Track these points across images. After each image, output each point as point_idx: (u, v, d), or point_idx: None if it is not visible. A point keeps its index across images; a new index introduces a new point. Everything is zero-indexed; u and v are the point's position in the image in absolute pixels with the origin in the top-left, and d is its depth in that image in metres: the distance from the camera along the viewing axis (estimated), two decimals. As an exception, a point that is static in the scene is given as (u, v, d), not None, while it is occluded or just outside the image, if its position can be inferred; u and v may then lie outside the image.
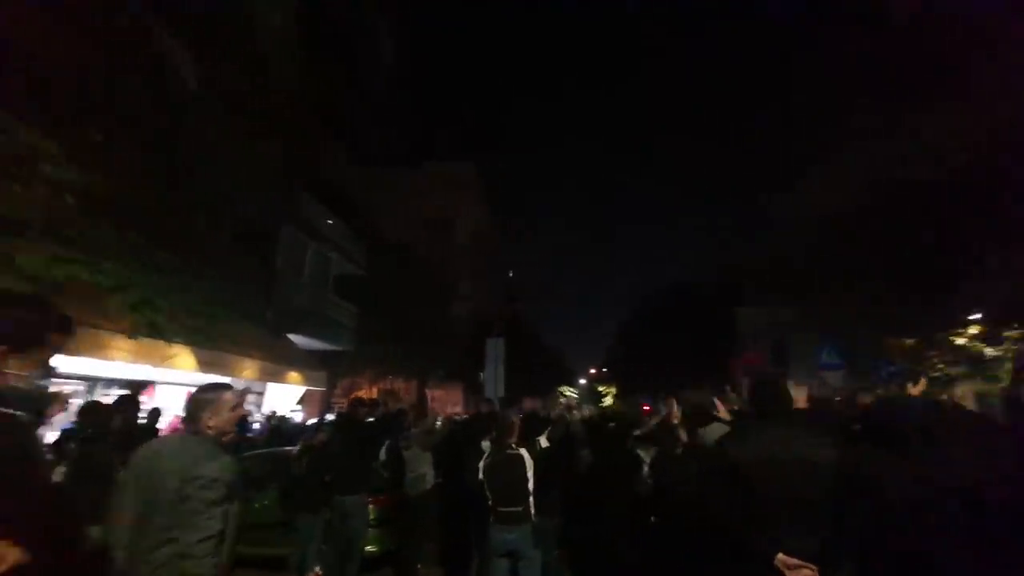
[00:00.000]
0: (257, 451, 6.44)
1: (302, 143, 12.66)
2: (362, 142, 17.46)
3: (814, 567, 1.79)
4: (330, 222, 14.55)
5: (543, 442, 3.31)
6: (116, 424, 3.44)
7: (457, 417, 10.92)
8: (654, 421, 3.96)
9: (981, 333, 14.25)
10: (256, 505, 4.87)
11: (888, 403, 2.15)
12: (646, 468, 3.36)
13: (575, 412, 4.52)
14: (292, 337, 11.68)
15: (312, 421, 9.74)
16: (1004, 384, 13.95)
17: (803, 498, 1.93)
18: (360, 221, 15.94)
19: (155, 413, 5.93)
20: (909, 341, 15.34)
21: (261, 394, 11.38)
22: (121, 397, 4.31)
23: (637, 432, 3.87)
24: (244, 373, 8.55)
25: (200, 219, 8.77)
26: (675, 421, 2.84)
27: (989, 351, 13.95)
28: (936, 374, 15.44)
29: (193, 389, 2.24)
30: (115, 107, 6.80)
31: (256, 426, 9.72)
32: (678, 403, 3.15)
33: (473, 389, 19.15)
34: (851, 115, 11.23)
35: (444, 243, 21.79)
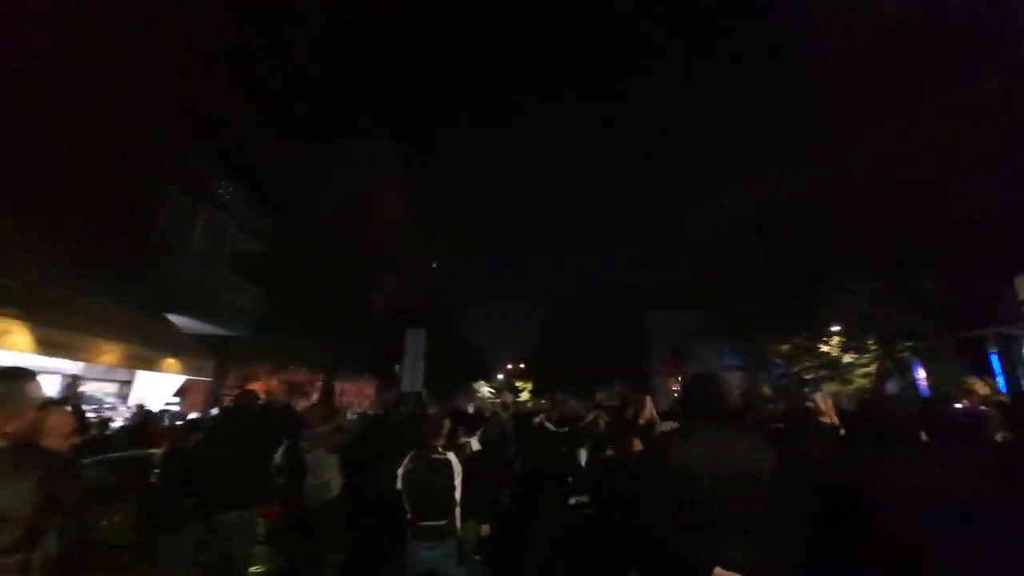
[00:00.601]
0: (109, 455, 5.22)
1: (207, 103, 10.99)
2: (280, 111, 15.71)
3: None
4: (230, 190, 12.77)
5: (474, 444, 2.90)
6: None
7: (371, 413, 10.08)
8: (592, 417, 3.72)
9: (841, 342, 16.60)
10: (105, 523, 3.88)
11: (880, 401, 2.06)
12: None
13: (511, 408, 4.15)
14: (172, 318, 10.00)
15: (193, 416, 8.35)
16: (856, 386, 16.44)
17: (743, 507, 1.77)
18: (268, 193, 14.24)
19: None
20: (785, 347, 17.40)
21: (128, 383, 9.61)
22: None
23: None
24: (102, 358, 7.06)
25: (66, 165, 7.10)
26: (644, 420, 2.58)
27: (847, 358, 16.29)
28: (809, 376, 17.74)
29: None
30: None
31: (118, 423, 8.13)
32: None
33: (388, 383, 18.12)
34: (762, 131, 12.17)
35: (363, 226, 20.38)
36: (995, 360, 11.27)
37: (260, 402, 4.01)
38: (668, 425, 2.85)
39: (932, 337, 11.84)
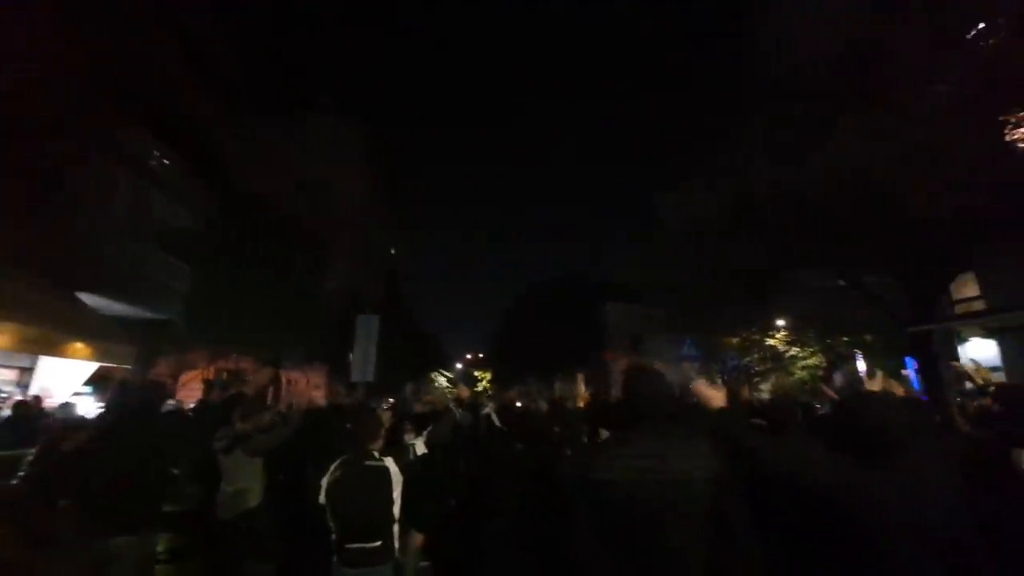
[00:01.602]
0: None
1: (142, 60, 9.71)
2: (234, 81, 14.31)
3: None
4: (165, 161, 11.47)
5: (420, 446, 2.42)
6: None
7: (326, 405, 9.27)
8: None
9: (785, 336, 17.37)
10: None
11: (868, 402, 1.76)
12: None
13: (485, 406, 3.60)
14: (85, 297, 8.83)
15: (100, 408, 7.34)
16: (797, 377, 17.24)
17: (680, 533, 1.43)
18: (209, 167, 12.93)
19: None
20: (735, 340, 18.03)
21: (29, 370, 8.40)
22: None
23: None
24: (-11, 341, 6.01)
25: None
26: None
27: (791, 351, 17.07)
28: (760, 367, 18.44)
29: None
30: None
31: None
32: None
33: (339, 372, 17.19)
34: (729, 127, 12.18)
35: (318, 208, 19.17)
36: (908, 361, 12.00)
37: (160, 391, 3.34)
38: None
39: (880, 332, 12.41)
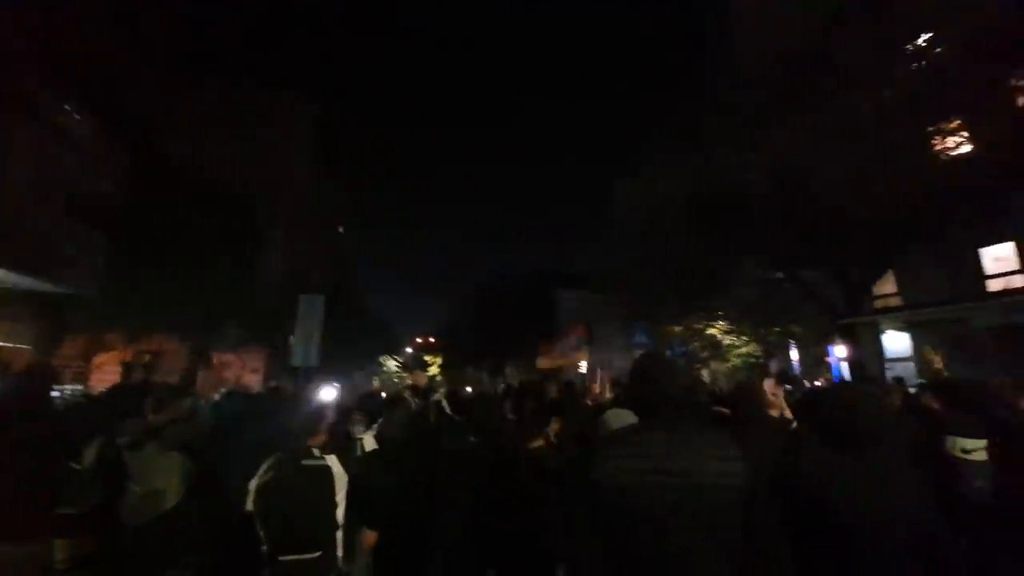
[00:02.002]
0: None
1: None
2: (168, 43, 12.69)
3: None
4: (77, 117, 10.05)
5: (369, 441, 2.15)
6: None
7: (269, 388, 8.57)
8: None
9: (724, 326, 18.35)
10: None
11: (842, 394, 1.71)
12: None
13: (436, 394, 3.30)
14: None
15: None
16: (731, 364, 18.32)
17: (701, 541, 1.24)
18: (132, 127, 11.49)
19: None
20: (678, 328, 18.84)
21: None
22: None
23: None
24: None
25: None
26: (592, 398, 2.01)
27: (727, 340, 18.07)
28: (704, 354, 19.38)
29: None
30: None
31: None
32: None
33: (280, 355, 16.21)
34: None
35: (258, 182, 17.73)
36: (829, 349, 13.03)
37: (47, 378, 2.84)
38: (617, 416, 2.32)
39: (811, 323, 13.29)
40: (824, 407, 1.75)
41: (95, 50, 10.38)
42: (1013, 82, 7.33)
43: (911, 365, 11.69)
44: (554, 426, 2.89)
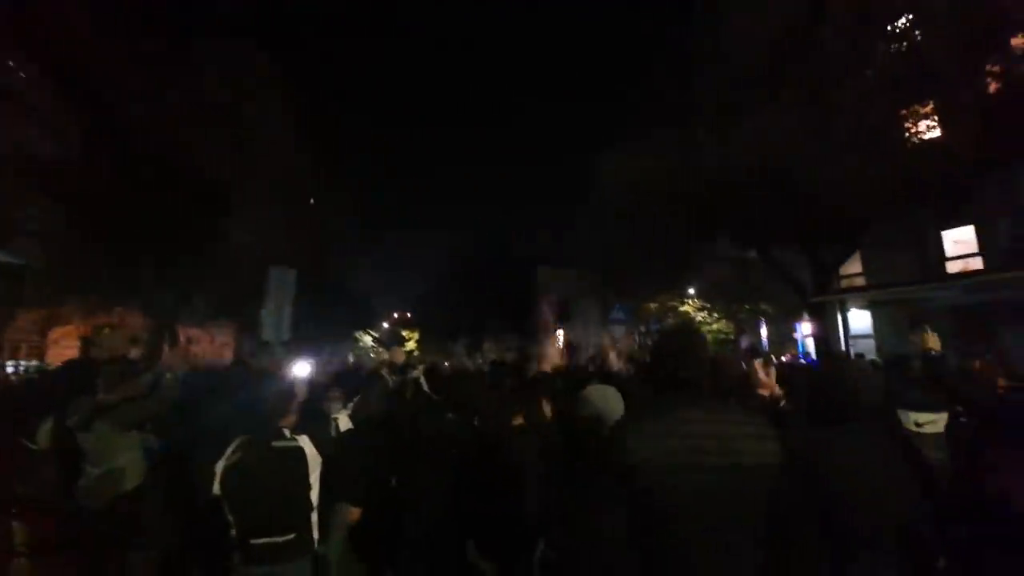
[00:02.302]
0: None
1: None
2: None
3: None
4: (22, 75, 9.18)
5: (344, 421, 2.05)
6: None
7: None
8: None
9: (697, 304, 18.81)
10: None
11: (831, 373, 1.71)
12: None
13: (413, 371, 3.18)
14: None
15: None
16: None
17: (739, 521, 1.23)
18: (84, 87, 10.55)
19: None
20: (653, 305, 19.22)
21: None
22: None
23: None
24: None
25: None
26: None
27: (699, 316, 18.56)
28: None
29: None
30: None
31: None
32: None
33: (250, 330, 15.72)
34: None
35: (222, 146, 16.69)
36: (796, 326, 13.51)
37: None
38: (598, 392, 2.29)
39: (780, 302, 13.70)
40: (813, 384, 1.75)
41: (45, 11, 9.43)
42: (988, 67, 7.45)
43: (872, 342, 12.26)
44: (547, 408, 2.81)
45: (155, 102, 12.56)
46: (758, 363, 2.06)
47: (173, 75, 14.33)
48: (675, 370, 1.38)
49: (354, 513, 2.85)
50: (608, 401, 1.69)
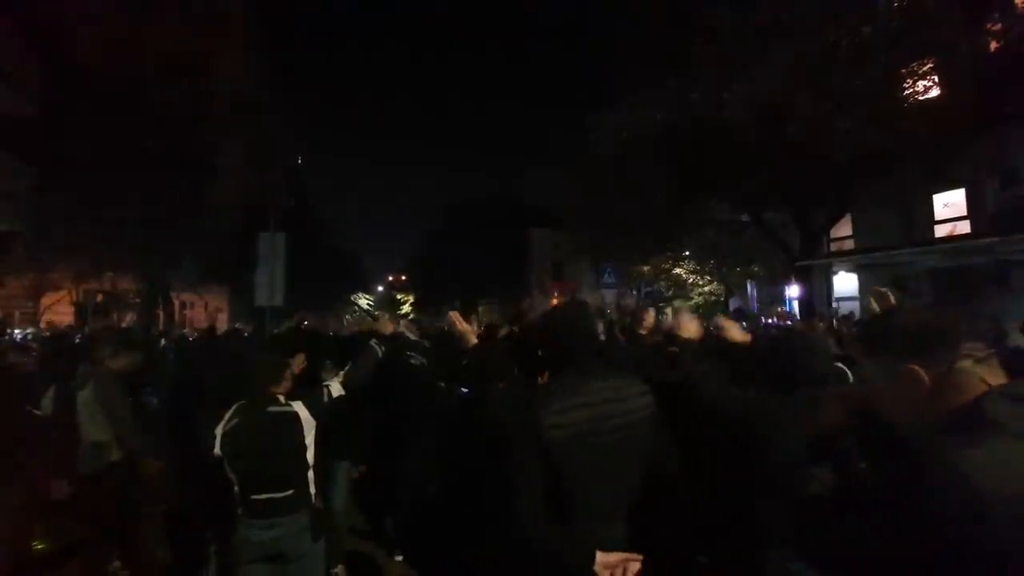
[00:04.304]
0: None
1: None
2: None
3: (639, 556, 1.38)
4: None
5: (335, 387, 2.16)
6: None
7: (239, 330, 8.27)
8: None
9: (690, 266, 18.93)
10: None
11: (790, 341, 1.84)
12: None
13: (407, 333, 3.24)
14: None
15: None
16: (693, 303, 19.19)
17: (628, 475, 1.50)
18: (48, 38, 9.95)
19: None
20: (646, 268, 19.33)
21: None
22: None
23: None
24: None
25: None
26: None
27: (691, 279, 18.76)
28: (668, 293, 20.10)
29: None
30: None
31: None
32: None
33: (243, 294, 15.71)
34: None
35: (199, 100, 15.90)
36: (785, 289, 13.72)
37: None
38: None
39: (770, 263, 13.85)
40: (767, 353, 1.90)
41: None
42: (988, 26, 7.26)
43: (857, 304, 12.55)
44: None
45: (128, 55, 11.93)
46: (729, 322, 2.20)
47: (144, 26, 13.53)
48: (570, 345, 1.54)
49: (360, 470, 3.06)
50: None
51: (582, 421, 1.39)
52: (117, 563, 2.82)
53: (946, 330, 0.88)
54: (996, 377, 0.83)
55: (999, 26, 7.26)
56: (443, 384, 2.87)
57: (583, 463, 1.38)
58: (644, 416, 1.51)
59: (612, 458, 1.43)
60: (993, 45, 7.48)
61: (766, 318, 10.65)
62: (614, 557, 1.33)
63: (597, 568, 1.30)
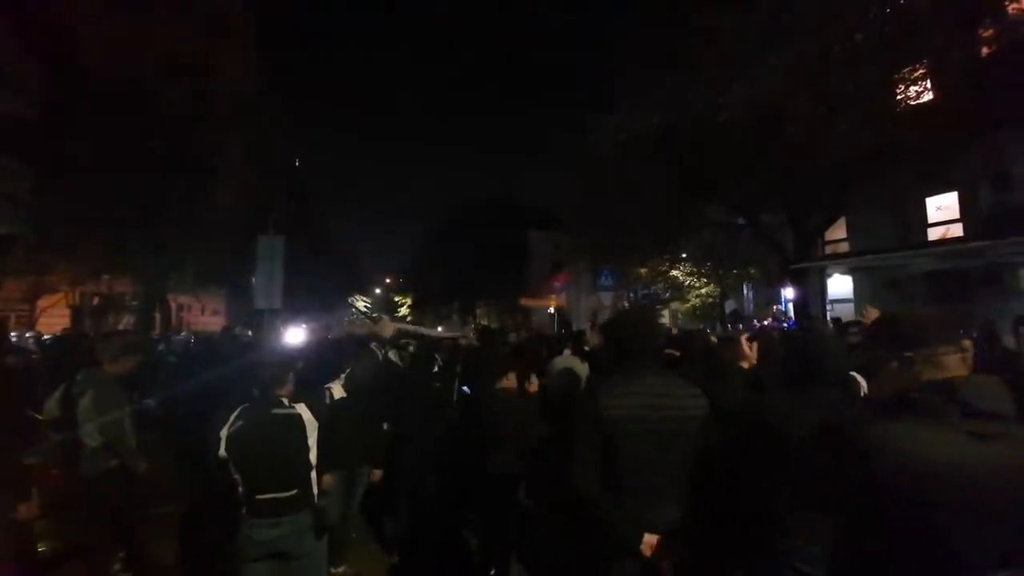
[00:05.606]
0: None
1: None
2: None
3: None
4: None
5: (337, 390, 2.20)
6: None
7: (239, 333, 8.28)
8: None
9: (687, 268, 18.99)
10: None
11: (808, 341, 1.92)
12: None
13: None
14: None
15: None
16: (690, 304, 19.23)
17: (676, 464, 1.68)
18: (49, 42, 9.98)
19: None
20: (644, 270, 19.40)
21: None
22: None
23: None
24: None
25: None
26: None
27: (688, 281, 18.82)
28: (666, 295, 20.15)
29: None
30: None
31: None
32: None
33: (240, 296, 15.72)
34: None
35: (199, 104, 15.96)
36: (780, 292, 13.80)
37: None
38: (563, 362, 2.57)
39: (766, 266, 13.92)
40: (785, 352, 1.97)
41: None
42: (981, 31, 7.36)
43: (851, 306, 12.62)
44: (534, 382, 2.96)
45: (128, 56, 11.94)
46: (744, 338, 2.24)
47: (144, 27, 13.55)
48: (631, 343, 1.77)
49: (376, 474, 3.13)
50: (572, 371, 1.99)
51: (635, 406, 1.62)
52: (118, 566, 2.85)
53: (923, 329, 1.09)
54: (961, 371, 1.04)
55: (991, 31, 7.35)
56: (444, 384, 2.92)
57: (633, 444, 1.59)
58: (696, 415, 1.70)
59: (660, 445, 1.62)
60: (985, 50, 7.57)
61: (760, 320, 10.71)
62: (656, 539, 1.52)
63: (643, 547, 1.50)
